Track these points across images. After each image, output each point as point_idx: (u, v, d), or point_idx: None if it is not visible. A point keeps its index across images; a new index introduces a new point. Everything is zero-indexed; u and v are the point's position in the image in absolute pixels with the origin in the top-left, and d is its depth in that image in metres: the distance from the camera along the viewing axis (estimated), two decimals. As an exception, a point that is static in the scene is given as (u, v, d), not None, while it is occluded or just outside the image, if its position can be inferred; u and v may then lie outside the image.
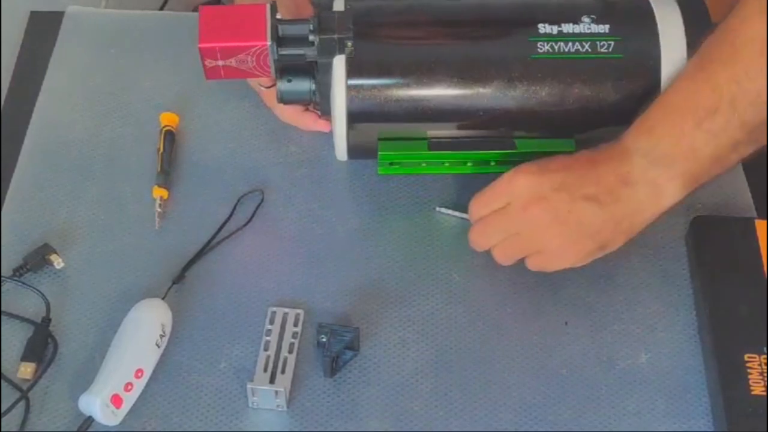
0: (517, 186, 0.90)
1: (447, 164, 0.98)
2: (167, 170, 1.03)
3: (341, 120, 0.96)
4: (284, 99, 0.99)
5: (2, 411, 0.88)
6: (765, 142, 0.89)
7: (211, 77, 0.95)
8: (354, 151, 0.99)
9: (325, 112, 0.99)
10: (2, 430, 0.88)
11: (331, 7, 0.98)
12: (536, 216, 0.89)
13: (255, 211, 1.02)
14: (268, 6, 0.93)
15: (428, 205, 1.03)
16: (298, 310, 0.95)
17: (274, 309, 0.95)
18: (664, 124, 0.89)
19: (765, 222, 0.97)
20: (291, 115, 1.05)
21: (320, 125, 1.04)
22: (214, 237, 1.00)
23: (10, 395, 0.89)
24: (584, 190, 0.89)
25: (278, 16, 0.95)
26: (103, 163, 1.06)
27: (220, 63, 0.93)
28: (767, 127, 0.87)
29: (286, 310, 0.95)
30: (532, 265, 0.92)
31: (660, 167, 0.88)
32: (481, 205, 0.92)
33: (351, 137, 0.97)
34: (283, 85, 0.98)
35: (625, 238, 0.91)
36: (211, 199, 1.03)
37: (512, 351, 0.93)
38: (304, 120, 1.05)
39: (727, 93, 0.86)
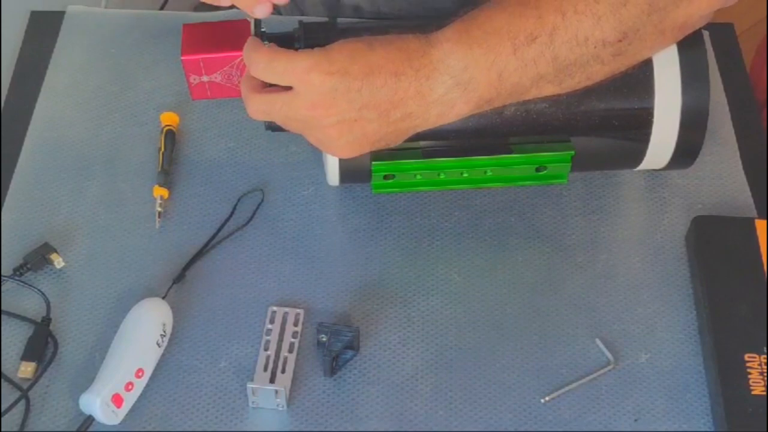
0: (312, 81, 0.85)
1: (442, 175, 0.95)
2: (167, 169, 1.04)
3: None
4: None
5: (2, 410, 0.88)
6: (569, 88, 0.88)
7: (198, 97, 0.93)
8: (346, 175, 0.96)
9: None
10: (2, 429, 0.88)
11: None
12: (322, 117, 0.86)
13: (255, 211, 1.02)
14: (252, 19, 0.91)
15: (428, 204, 1.03)
16: (298, 310, 0.95)
17: (275, 308, 0.95)
18: (482, 46, 0.85)
19: (765, 222, 0.97)
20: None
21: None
22: (214, 236, 1.00)
23: (10, 395, 0.90)
24: (378, 103, 0.85)
25: (263, 30, 0.92)
26: (103, 162, 1.06)
27: (205, 78, 0.91)
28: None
29: (286, 309, 0.95)
30: (309, 140, 0.90)
31: (462, 90, 0.86)
32: (268, 71, 0.86)
33: (343, 161, 0.95)
34: None
35: (403, 139, 0.89)
36: (212, 199, 1.03)
37: (512, 351, 0.93)
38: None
39: (550, 23, 0.84)
